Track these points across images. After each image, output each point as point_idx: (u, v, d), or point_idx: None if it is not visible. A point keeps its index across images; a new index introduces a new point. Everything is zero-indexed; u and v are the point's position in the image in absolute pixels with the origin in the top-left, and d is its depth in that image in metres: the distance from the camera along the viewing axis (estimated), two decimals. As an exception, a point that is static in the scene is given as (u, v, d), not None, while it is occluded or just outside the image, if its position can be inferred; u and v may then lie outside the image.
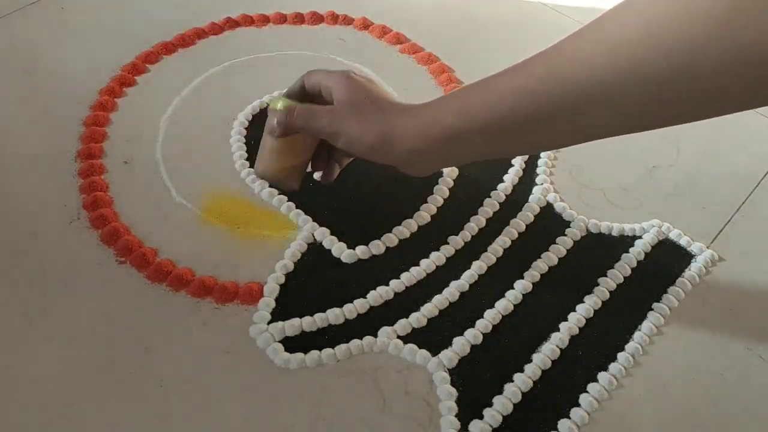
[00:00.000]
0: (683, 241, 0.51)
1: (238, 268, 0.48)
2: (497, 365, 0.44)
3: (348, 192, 0.53)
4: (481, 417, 0.41)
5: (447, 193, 0.54)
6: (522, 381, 0.43)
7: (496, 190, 0.54)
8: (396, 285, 0.47)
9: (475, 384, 0.43)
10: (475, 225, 0.51)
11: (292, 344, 0.44)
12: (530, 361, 0.44)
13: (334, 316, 0.45)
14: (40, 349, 0.43)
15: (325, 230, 0.50)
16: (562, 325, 0.46)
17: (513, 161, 0.56)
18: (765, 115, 0.62)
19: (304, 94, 0.45)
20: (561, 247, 0.50)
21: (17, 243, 0.48)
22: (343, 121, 0.41)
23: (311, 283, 0.47)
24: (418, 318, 0.46)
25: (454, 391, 0.42)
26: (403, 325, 0.45)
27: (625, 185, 0.56)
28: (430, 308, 0.46)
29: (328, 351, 0.44)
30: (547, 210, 0.53)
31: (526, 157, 0.57)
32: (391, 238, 0.50)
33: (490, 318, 0.46)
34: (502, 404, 0.42)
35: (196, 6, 0.70)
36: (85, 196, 0.51)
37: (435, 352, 0.44)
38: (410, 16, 0.71)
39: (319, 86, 0.44)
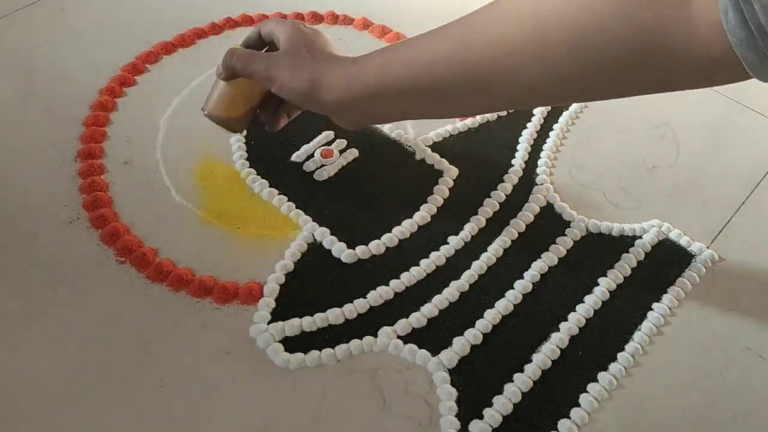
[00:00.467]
0: (683, 241, 0.51)
1: (238, 268, 0.48)
2: (497, 365, 0.44)
3: (348, 192, 0.53)
4: (481, 417, 0.41)
5: (447, 193, 0.54)
6: (522, 381, 0.43)
7: (496, 190, 0.54)
8: (396, 285, 0.47)
9: (475, 384, 0.43)
10: (475, 225, 0.51)
11: (292, 344, 0.44)
12: (530, 361, 0.44)
13: (334, 316, 0.45)
14: (40, 349, 0.43)
15: (325, 230, 0.50)
16: (562, 325, 0.46)
17: (513, 161, 0.56)
18: (765, 115, 0.62)
19: (262, 43, 0.48)
20: (561, 247, 0.50)
21: (17, 243, 0.48)
22: (278, 67, 0.43)
23: (311, 283, 0.47)
24: (418, 318, 0.46)
25: (454, 391, 0.42)
26: (403, 325, 0.45)
27: (625, 185, 0.56)
28: (430, 308, 0.46)
29: (328, 351, 0.44)
30: (547, 210, 0.53)
31: (527, 157, 0.57)
32: (391, 238, 0.50)
33: (490, 318, 0.46)
34: (502, 404, 0.42)
35: (196, 6, 0.70)
36: (85, 196, 0.51)
37: (435, 352, 0.44)
38: (410, 16, 0.71)
39: (272, 35, 0.46)
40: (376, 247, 0.50)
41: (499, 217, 0.52)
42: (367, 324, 0.45)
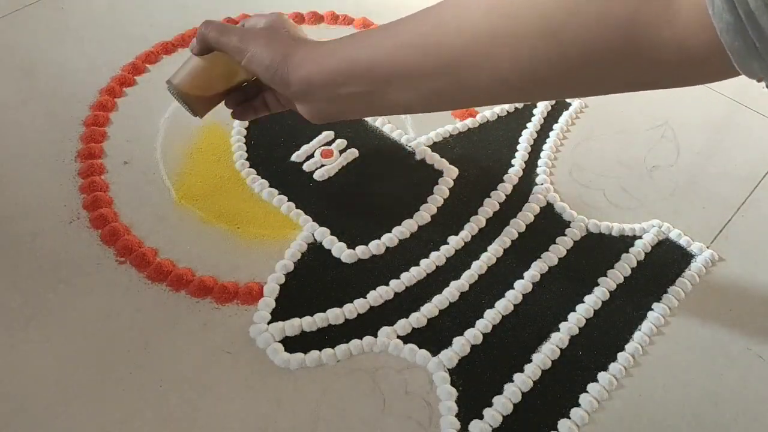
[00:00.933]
0: (683, 241, 0.51)
1: (238, 268, 0.48)
2: (497, 365, 0.44)
3: (348, 192, 0.53)
4: (481, 417, 0.41)
5: (447, 193, 0.54)
6: (522, 381, 0.43)
7: (496, 190, 0.54)
8: (396, 285, 0.47)
9: (475, 384, 0.43)
10: (475, 225, 0.51)
11: (292, 344, 0.44)
12: (530, 361, 0.44)
13: (334, 316, 0.45)
14: (40, 348, 0.43)
15: (325, 230, 0.50)
16: (562, 325, 0.46)
17: (513, 161, 0.56)
18: (765, 115, 0.62)
19: None
20: (561, 247, 0.50)
21: (17, 243, 0.48)
22: (251, 40, 0.42)
23: (311, 283, 0.47)
24: (418, 318, 0.46)
25: (454, 391, 0.42)
26: (403, 325, 0.45)
27: (625, 185, 0.56)
28: (430, 308, 0.46)
29: (328, 351, 0.44)
30: (547, 210, 0.53)
31: (527, 157, 0.57)
32: (391, 238, 0.50)
33: (490, 318, 0.46)
34: (502, 404, 0.42)
35: (196, 6, 0.70)
36: (85, 196, 0.51)
37: (435, 352, 0.44)
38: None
39: (256, 24, 0.45)
40: (376, 247, 0.50)
41: (499, 218, 0.52)
42: (367, 324, 0.45)
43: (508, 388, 0.43)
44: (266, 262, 0.48)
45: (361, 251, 0.49)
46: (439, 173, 0.55)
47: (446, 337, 0.45)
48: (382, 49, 0.39)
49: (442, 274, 0.49)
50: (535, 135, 0.59)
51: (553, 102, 0.62)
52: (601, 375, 0.43)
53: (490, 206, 0.53)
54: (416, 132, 0.59)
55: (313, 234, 0.50)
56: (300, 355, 0.43)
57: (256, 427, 0.40)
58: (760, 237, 0.52)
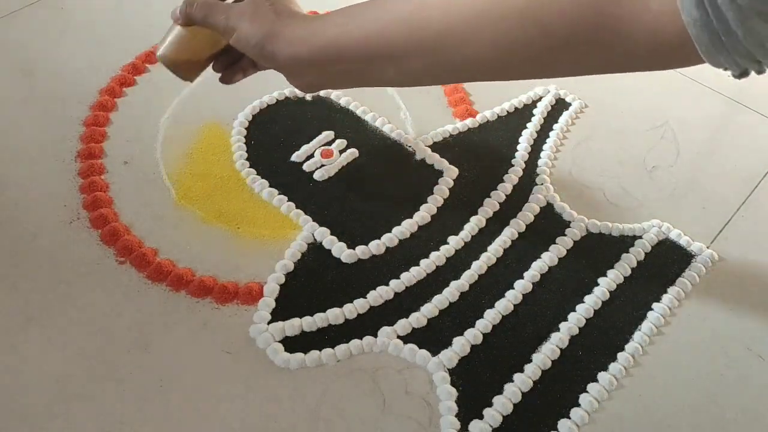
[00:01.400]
0: (683, 241, 0.51)
1: (238, 268, 0.48)
2: (497, 365, 0.44)
3: (348, 192, 0.53)
4: (481, 417, 0.41)
5: (447, 193, 0.54)
6: (522, 381, 0.43)
7: (496, 190, 0.54)
8: (396, 285, 0.47)
9: (475, 384, 0.43)
10: (475, 225, 0.51)
11: (292, 344, 0.44)
12: (530, 361, 0.44)
13: (334, 316, 0.45)
14: (40, 348, 0.43)
15: (325, 230, 0.50)
16: (562, 325, 0.46)
17: (513, 161, 0.56)
18: (765, 115, 0.62)
19: None
20: (561, 247, 0.50)
21: (17, 243, 0.48)
22: (238, 19, 0.42)
23: (311, 283, 0.47)
24: (418, 318, 0.46)
25: (454, 391, 0.42)
26: (403, 325, 0.45)
27: (625, 185, 0.56)
28: (430, 308, 0.46)
29: (328, 351, 0.44)
30: (547, 210, 0.53)
31: (526, 156, 0.57)
32: (391, 238, 0.50)
33: (490, 318, 0.46)
34: (502, 404, 0.42)
35: (196, 6, 0.70)
36: (85, 196, 0.51)
37: (435, 352, 0.44)
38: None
39: None
40: (376, 247, 0.50)
41: (499, 217, 0.52)
42: (367, 324, 0.45)
43: (508, 388, 0.43)
44: (266, 262, 0.48)
45: (361, 251, 0.49)
46: (439, 173, 0.55)
47: (446, 337, 0.45)
48: (368, 29, 0.40)
49: (442, 274, 0.49)
50: (535, 135, 0.59)
51: (554, 102, 0.62)
52: (601, 375, 0.43)
53: (490, 206, 0.53)
54: (416, 132, 0.59)
55: (313, 234, 0.50)
56: (300, 355, 0.43)
57: (256, 427, 0.40)
58: (760, 237, 0.52)
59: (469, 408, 0.42)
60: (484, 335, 0.45)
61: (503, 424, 0.41)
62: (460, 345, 0.44)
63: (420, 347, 0.44)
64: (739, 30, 0.29)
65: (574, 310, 0.47)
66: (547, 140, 0.59)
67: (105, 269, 0.47)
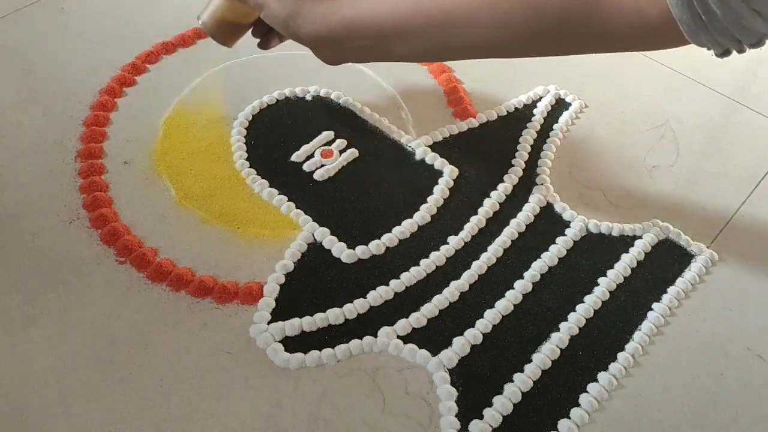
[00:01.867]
0: (683, 241, 0.51)
1: (238, 268, 0.48)
2: (497, 365, 0.44)
3: (348, 192, 0.53)
4: (481, 417, 0.41)
5: (447, 193, 0.54)
6: (522, 381, 0.43)
7: (496, 190, 0.54)
8: (396, 285, 0.47)
9: (475, 384, 0.43)
10: (475, 225, 0.51)
11: (292, 344, 0.44)
12: (530, 361, 0.44)
13: (334, 316, 0.45)
14: (40, 348, 0.43)
15: (325, 230, 0.50)
16: (562, 325, 0.46)
17: (513, 161, 0.56)
18: (765, 115, 0.62)
19: None
20: (561, 247, 0.50)
21: (17, 243, 0.48)
22: None
23: (311, 283, 0.47)
24: (418, 318, 0.46)
25: (454, 391, 0.42)
26: (403, 325, 0.45)
27: (625, 185, 0.56)
28: (430, 308, 0.46)
29: (328, 351, 0.44)
30: (547, 210, 0.53)
31: (526, 156, 0.57)
32: (391, 238, 0.50)
33: (490, 318, 0.46)
34: (502, 404, 0.42)
35: (196, 6, 0.70)
36: (85, 196, 0.51)
37: (435, 352, 0.44)
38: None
39: None
40: (376, 247, 0.50)
41: (499, 217, 0.52)
42: (367, 324, 0.45)
43: (508, 388, 0.43)
44: (266, 262, 0.48)
45: (361, 251, 0.49)
46: (439, 173, 0.55)
47: (446, 337, 0.45)
48: (379, 9, 0.43)
49: (442, 274, 0.49)
50: (535, 135, 0.59)
51: (554, 102, 0.62)
52: (601, 375, 0.43)
53: (490, 206, 0.53)
54: (416, 132, 0.59)
55: (313, 234, 0.50)
56: (300, 355, 0.43)
57: (256, 427, 0.40)
58: (760, 237, 0.52)
59: (469, 408, 0.42)
60: (484, 335, 0.45)
61: (503, 424, 0.41)
62: (460, 345, 0.44)
63: (420, 347, 0.44)
64: (718, 9, 0.31)
65: (574, 310, 0.47)
66: (547, 140, 0.59)
67: (105, 269, 0.47)
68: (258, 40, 0.53)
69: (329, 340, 0.44)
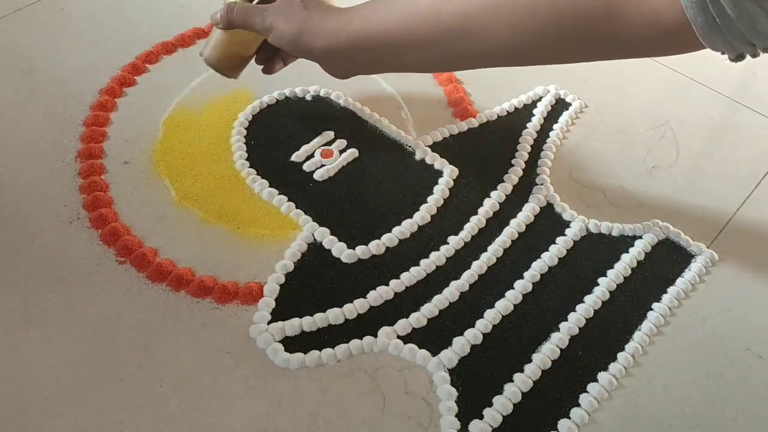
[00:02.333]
0: (683, 241, 0.51)
1: (238, 268, 0.48)
2: (497, 365, 0.44)
3: (348, 192, 0.53)
4: (481, 417, 0.41)
5: (447, 193, 0.54)
6: (522, 381, 0.43)
7: (496, 190, 0.54)
8: (396, 285, 0.47)
9: (475, 384, 0.43)
10: (475, 225, 0.51)
11: (292, 344, 0.44)
12: (530, 361, 0.44)
13: (334, 316, 0.45)
14: (40, 348, 0.43)
15: (325, 230, 0.50)
16: (562, 325, 0.46)
17: (513, 161, 0.56)
18: (765, 115, 0.62)
19: None
20: (561, 247, 0.50)
21: (17, 243, 0.48)
22: (274, 18, 0.47)
23: (311, 283, 0.47)
24: (418, 318, 0.46)
25: (454, 391, 0.42)
26: (403, 325, 0.45)
27: (625, 185, 0.56)
28: (430, 308, 0.46)
29: (328, 351, 0.44)
30: (547, 210, 0.53)
31: (527, 157, 0.57)
32: (391, 238, 0.50)
33: (490, 318, 0.46)
34: (502, 404, 0.42)
35: (196, 6, 0.70)
36: (85, 196, 0.51)
37: (435, 352, 0.44)
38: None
39: None
40: (376, 247, 0.50)
41: (499, 217, 0.52)
42: (367, 324, 0.45)
43: (508, 388, 0.43)
44: (266, 262, 0.48)
45: (361, 251, 0.49)
46: (439, 173, 0.55)
47: (446, 337, 0.45)
48: (390, 21, 0.43)
49: (442, 274, 0.49)
50: (535, 135, 0.59)
51: (554, 102, 0.62)
52: (601, 375, 0.43)
53: (490, 206, 0.53)
54: (416, 132, 0.59)
55: (313, 234, 0.50)
56: (300, 355, 0.43)
57: (256, 427, 0.40)
58: (760, 237, 0.52)
59: (469, 408, 0.42)
60: (484, 335, 0.45)
61: (503, 424, 0.41)
62: (460, 345, 0.44)
63: (420, 347, 0.44)
64: (732, 12, 0.31)
65: (574, 310, 0.47)
66: (547, 140, 0.59)
67: (105, 269, 0.47)
68: (261, 66, 0.53)
69: (329, 340, 0.44)
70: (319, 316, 0.45)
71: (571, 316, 0.46)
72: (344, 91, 0.61)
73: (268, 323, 0.45)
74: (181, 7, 0.70)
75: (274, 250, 0.49)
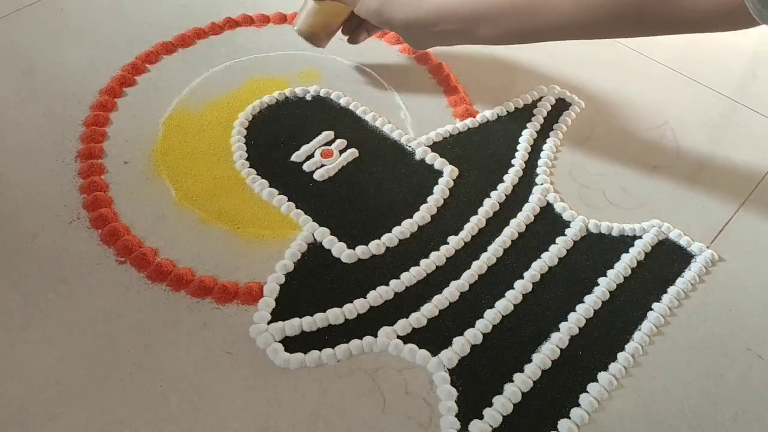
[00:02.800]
0: (683, 241, 0.51)
1: (238, 268, 0.48)
2: (497, 365, 0.44)
3: (348, 192, 0.53)
4: (481, 417, 0.41)
5: (447, 193, 0.54)
6: (522, 381, 0.43)
7: (496, 190, 0.54)
8: (396, 285, 0.47)
9: (475, 384, 0.43)
10: (475, 225, 0.51)
11: (292, 344, 0.44)
12: (530, 361, 0.44)
13: (334, 316, 0.45)
14: (40, 348, 0.43)
15: (325, 230, 0.50)
16: (562, 325, 0.46)
17: (513, 161, 0.56)
18: (765, 115, 0.62)
19: None
20: (561, 247, 0.50)
21: (17, 243, 0.48)
22: None
23: (311, 283, 0.47)
24: (418, 318, 0.46)
25: (454, 391, 0.42)
26: (403, 325, 0.45)
27: (625, 185, 0.56)
28: (430, 308, 0.46)
29: (328, 351, 0.44)
30: (547, 210, 0.53)
31: (527, 157, 0.57)
32: (391, 238, 0.50)
33: (490, 318, 0.46)
34: (502, 404, 0.42)
35: (196, 6, 0.70)
36: (85, 196, 0.51)
37: (435, 352, 0.44)
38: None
39: None
40: (376, 247, 0.50)
41: (499, 218, 0.52)
42: (367, 324, 0.45)
43: (508, 388, 0.43)
44: (266, 262, 0.48)
45: (361, 251, 0.49)
46: (439, 173, 0.55)
47: (446, 337, 0.45)
48: None
49: (442, 274, 0.49)
50: (535, 135, 0.59)
51: (554, 102, 0.62)
52: (601, 375, 0.43)
53: (490, 206, 0.53)
54: (416, 132, 0.59)
55: (313, 234, 0.50)
56: (300, 355, 0.43)
57: (256, 427, 0.40)
58: (760, 237, 0.52)
59: (469, 408, 0.42)
60: (484, 335, 0.45)
61: (503, 424, 0.41)
62: (460, 345, 0.44)
63: (420, 347, 0.44)
64: None
65: (574, 310, 0.47)
66: (547, 140, 0.59)
67: (105, 269, 0.47)
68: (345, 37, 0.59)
69: (329, 340, 0.44)
70: (319, 316, 0.45)
71: (571, 316, 0.46)
72: (344, 91, 0.61)
73: (268, 323, 0.45)
74: (181, 7, 0.70)
75: (274, 250, 0.49)
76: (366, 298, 0.46)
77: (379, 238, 0.50)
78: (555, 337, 0.45)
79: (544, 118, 0.61)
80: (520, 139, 0.58)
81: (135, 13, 0.69)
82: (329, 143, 0.57)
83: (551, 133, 0.59)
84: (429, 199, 0.53)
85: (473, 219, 0.52)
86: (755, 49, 0.70)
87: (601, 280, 0.49)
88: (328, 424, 0.41)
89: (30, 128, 0.57)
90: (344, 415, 0.41)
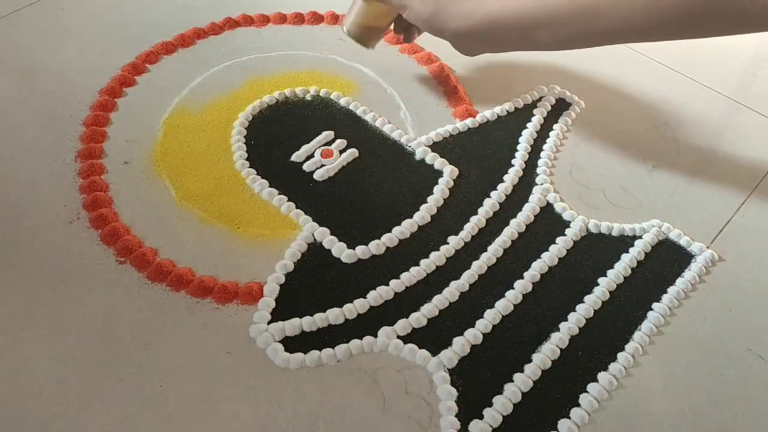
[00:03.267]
0: (683, 241, 0.51)
1: (238, 268, 0.48)
2: (497, 365, 0.44)
3: (348, 192, 0.53)
4: (481, 417, 0.41)
5: (447, 193, 0.54)
6: (522, 381, 0.43)
7: (496, 190, 0.54)
8: (396, 285, 0.47)
9: (475, 384, 0.43)
10: (475, 225, 0.51)
11: (292, 344, 0.44)
12: (530, 361, 0.44)
13: (334, 316, 0.45)
14: (39, 349, 0.43)
15: (325, 230, 0.50)
16: (562, 325, 0.46)
17: (513, 161, 0.56)
18: (765, 115, 0.62)
19: None
20: (561, 247, 0.50)
21: (17, 243, 0.48)
22: None
23: (311, 283, 0.47)
24: (418, 318, 0.46)
25: (454, 391, 0.42)
26: (403, 325, 0.45)
27: (625, 185, 0.56)
28: (430, 308, 0.46)
29: (328, 351, 0.44)
30: (547, 210, 0.53)
31: (527, 157, 0.57)
32: (391, 238, 0.50)
33: (490, 318, 0.46)
34: (502, 404, 0.42)
35: (196, 6, 0.70)
36: (85, 196, 0.51)
37: (435, 352, 0.44)
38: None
39: None
40: (376, 247, 0.50)
41: (499, 218, 0.52)
42: (367, 324, 0.45)
43: (508, 388, 0.43)
44: (266, 262, 0.48)
45: (361, 251, 0.49)
46: (439, 173, 0.55)
47: (446, 337, 0.45)
48: (523, 2, 0.47)
49: (442, 274, 0.49)
50: (535, 135, 0.59)
51: (554, 102, 0.62)
52: (601, 375, 0.43)
53: (490, 206, 0.53)
54: (416, 132, 0.59)
55: (313, 234, 0.50)
56: (300, 355, 0.43)
57: (256, 427, 0.40)
58: (760, 237, 0.52)
59: (469, 408, 0.42)
60: (484, 335, 0.45)
61: (503, 424, 0.41)
62: (460, 345, 0.44)
63: (420, 347, 0.44)
64: None
65: (574, 310, 0.47)
66: (547, 140, 0.59)
67: (105, 269, 0.47)
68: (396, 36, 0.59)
69: (329, 340, 0.44)
70: (319, 316, 0.45)
71: (571, 316, 0.46)
72: (344, 91, 0.61)
73: (268, 323, 0.45)
74: (181, 7, 0.70)
75: (274, 250, 0.49)
76: (366, 298, 0.46)
77: (379, 238, 0.50)
78: (555, 337, 0.45)
79: (544, 118, 0.61)
80: (520, 139, 0.58)
81: (135, 13, 0.69)
82: (329, 143, 0.57)
83: (551, 133, 0.59)
84: (429, 199, 0.53)
85: (473, 219, 0.52)
86: (755, 49, 0.70)
87: (601, 280, 0.49)
88: (328, 424, 0.41)
89: (30, 128, 0.57)
90: (344, 415, 0.41)
